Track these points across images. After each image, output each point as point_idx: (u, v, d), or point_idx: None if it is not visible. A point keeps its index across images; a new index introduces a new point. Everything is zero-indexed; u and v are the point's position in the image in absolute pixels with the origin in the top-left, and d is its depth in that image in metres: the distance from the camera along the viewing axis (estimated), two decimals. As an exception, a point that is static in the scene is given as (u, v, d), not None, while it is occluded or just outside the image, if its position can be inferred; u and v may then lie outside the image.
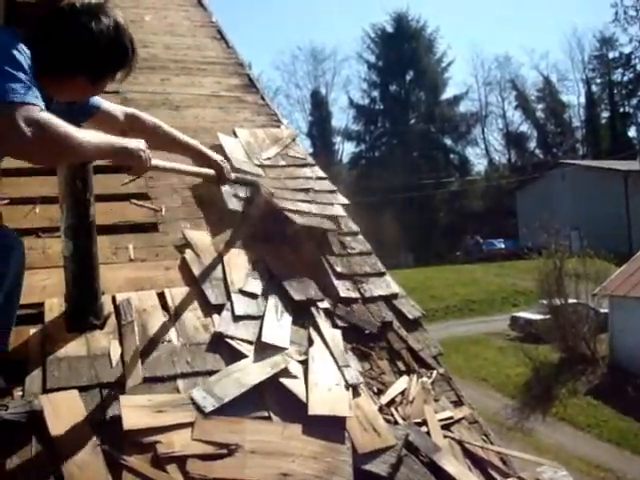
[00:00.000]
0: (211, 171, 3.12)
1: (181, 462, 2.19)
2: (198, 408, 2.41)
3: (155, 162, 2.58)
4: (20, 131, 1.89)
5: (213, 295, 3.04)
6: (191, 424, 2.34)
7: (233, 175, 3.32)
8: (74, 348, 2.65)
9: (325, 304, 3.13)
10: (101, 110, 2.73)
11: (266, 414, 2.46)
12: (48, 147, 1.99)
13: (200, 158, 3.12)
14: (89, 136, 2.15)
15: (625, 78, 66.53)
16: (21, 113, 1.90)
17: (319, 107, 69.48)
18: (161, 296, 3.02)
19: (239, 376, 2.60)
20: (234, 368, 2.65)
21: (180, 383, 2.56)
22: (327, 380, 2.66)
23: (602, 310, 22.51)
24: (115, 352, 2.65)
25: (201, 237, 3.47)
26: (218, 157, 3.17)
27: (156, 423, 2.31)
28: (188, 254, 3.33)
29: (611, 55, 66.96)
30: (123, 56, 2.32)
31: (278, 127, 4.81)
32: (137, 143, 2.40)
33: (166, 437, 2.28)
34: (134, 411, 2.35)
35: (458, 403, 2.87)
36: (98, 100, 2.72)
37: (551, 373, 22.03)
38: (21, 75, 1.99)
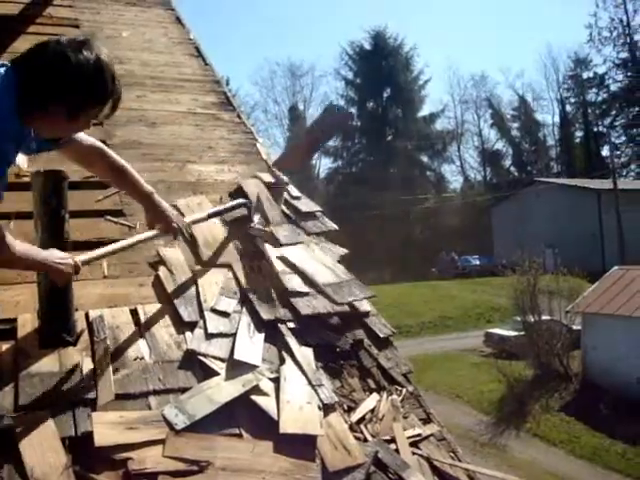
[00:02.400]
0: (152, 232, 3.04)
1: (152, 479, 2.21)
2: (170, 425, 2.43)
3: (85, 257, 2.64)
4: None
5: (186, 312, 3.06)
6: (162, 441, 2.35)
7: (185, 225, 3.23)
8: (46, 364, 2.65)
9: (295, 324, 3.15)
10: (74, 140, 2.70)
11: (237, 431, 2.48)
12: None
13: (153, 211, 3.02)
14: (23, 249, 2.37)
15: (599, 98, 67.70)
16: None
17: (297, 122, 69.63)
18: (134, 313, 3.03)
19: (211, 393, 2.61)
20: (205, 385, 2.66)
21: (152, 400, 2.57)
22: (298, 398, 2.68)
23: (575, 327, 22.73)
24: (87, 368, 2.65)
25: (175, 254, 3.48)
26: (172, 212, 3.07)
27: (128, 440, 2.32)
28: (162, 271, 3.34)
29: (585, 75, 68.16)
30: (102, 92, 2.27)
31: (254, 145, 4.86)
32: (59, 257, 2.49)
33: (138, 454, 2.29)
34: (106, 428, 2.36)
35: (427, 420, 2.91)
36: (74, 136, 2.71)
37: (525, 389, 22.16)
38: None
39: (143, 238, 3.02)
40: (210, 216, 3.50)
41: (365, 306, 3.47)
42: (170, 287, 3.22)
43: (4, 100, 2.14)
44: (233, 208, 3.72)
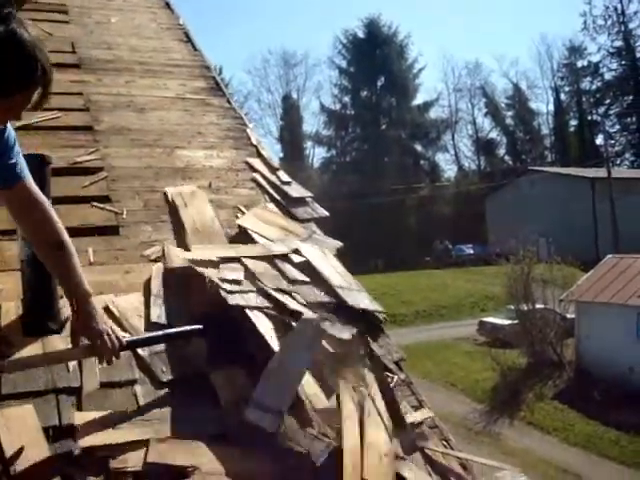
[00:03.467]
0: (86, 349, 2.29)
1: (136, 477, 2.15)
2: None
3: None
4: None
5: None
6: (147, 440, 2.27)
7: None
8: (30, 352, 2.59)
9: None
10: (20, 185, 2.32)
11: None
12: None
13: (83, 319, 2.29)
14: None
15: (593, 87, 67.73)
16: None
17: (290, 112, 69.51)
18: (119, 301, 2.97)
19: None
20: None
21: (138, 389, 2.52)
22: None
23: (569, 315, 22.78)
24: (72, 357, 2.60)
25: (179, 254, 3.36)
26: (106, 326, 2.29)
27: (111, 440, 2.24)
28: (156, 267, 3.24)
29: (580, 64, 68.18)
30: (15, 75, 1.88)
31: (244, 130, 4.80)
32: None
33: (121, 454, 2.22)
34: (89, 428, 2.28)
35: (418, 407, 2.87)
36: (26, 175, 2.34)
37: (519, 378, 22.22)
38: None
39: (59, 357, 2.37)
40: (158, 340, 2.67)
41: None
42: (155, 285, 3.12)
43: None
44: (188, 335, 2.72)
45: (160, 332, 2.67)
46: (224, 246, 3.46)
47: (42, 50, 1.93)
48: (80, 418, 2.32)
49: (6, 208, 2.38)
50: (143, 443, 2.25)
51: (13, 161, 2.25)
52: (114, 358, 2.34)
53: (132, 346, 2.53)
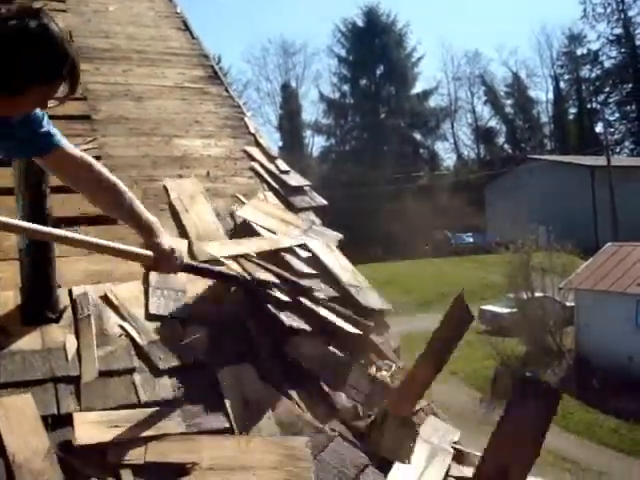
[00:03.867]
0: (148, 253, 2.41)
1: (135, 468, 2.15)
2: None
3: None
4: None
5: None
6: (145, 439, 2.27)
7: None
8: (29, 342, 2.61)
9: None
10: (60, 150, 2.37)
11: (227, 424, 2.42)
12: None
13: (145, 235, 2.47)
14: None
15: (593, 75, 67.43)
16: None
17: (289, 100, 69.33)
18: (118, 290, 2.97)
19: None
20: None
21: (136, 377, 2.53)
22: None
23: (568, 304, 22.76)
24: (71, 346, 2.60)
25: (181, 245, 3.35)
26: (167, 242, 2.44)
27: (109, 438, 2.24)
28: None
29: (579, 52, 67.81)
30: (46, 66, 1.94)
31: (242, 119, 4.79)
32: None
33: (119, 451, 2.22)
34: (87, 428, 2.26)
35: (417, 395, 2.88)
36: (59, 139, 2.37)
37: (518, 366, 22.23)
38: None
39: (125, 250, 2.46)
40: (212, 274, 2.90)
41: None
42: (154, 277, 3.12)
43: None
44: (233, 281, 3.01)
45: (217, 268, 2.91)
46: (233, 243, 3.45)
47: (71, 44, 2.02)
48: (80, 419, 2.32)
49: (57, 177, 2.50)
50: (143, 440, 2.26)
51: (45, 129, 2.30)
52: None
53: (189, 269, 2.66)
